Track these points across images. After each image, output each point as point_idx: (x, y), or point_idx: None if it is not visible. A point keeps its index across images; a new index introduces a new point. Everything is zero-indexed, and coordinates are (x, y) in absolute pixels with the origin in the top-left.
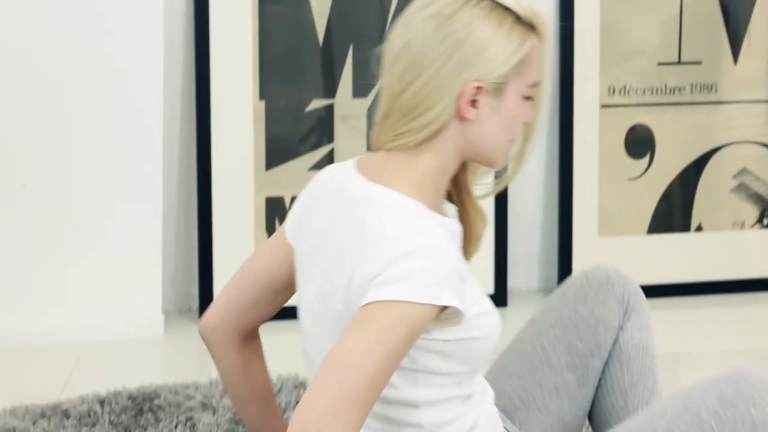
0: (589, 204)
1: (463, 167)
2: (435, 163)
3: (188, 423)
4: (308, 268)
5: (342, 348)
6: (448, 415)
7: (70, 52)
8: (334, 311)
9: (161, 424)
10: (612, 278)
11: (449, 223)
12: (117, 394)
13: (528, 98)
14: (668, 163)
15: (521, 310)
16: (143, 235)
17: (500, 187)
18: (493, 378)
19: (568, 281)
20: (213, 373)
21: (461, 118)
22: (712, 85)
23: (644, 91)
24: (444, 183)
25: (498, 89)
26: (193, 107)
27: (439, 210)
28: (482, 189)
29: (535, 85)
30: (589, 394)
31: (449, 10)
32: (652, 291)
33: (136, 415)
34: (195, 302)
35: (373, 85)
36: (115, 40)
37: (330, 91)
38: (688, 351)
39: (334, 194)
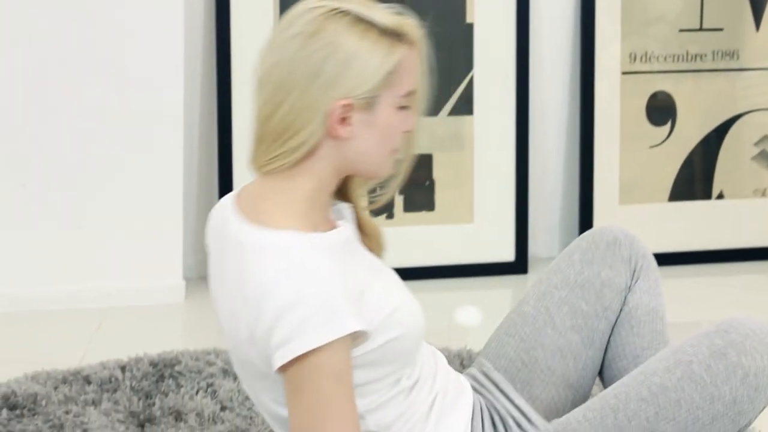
0: (610, 171)
1: (348, 180)
2: (312, 184)
3: (209, 389)
4: (217, 313)
5: (295, 424)
6: (394, 412)
7: (84, 17)
8: (248, 357)
9: (182, 390)
10: (619, 240)
11: (336, 235)
12: (138, 360)
13: (404, 107)
14: (689, 131)
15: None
16: (164, 201)
17: (385, 199)
18: (495, 340)
19: (574, 243)
20: None
21: (334, 137)
22: (733, 52)
23: (666, 58)
24: (324, 199)
25: (369, 104)
26: (213, 73)
27: (324, 224)
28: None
29: (410, 94)
30: (595, 355)
31: (311, 28)
32: (673, 258)
33: (157, 381)
34: None
35: None
36: (134, 7)
37: None
38: (709, 319)
39: (218, 238)
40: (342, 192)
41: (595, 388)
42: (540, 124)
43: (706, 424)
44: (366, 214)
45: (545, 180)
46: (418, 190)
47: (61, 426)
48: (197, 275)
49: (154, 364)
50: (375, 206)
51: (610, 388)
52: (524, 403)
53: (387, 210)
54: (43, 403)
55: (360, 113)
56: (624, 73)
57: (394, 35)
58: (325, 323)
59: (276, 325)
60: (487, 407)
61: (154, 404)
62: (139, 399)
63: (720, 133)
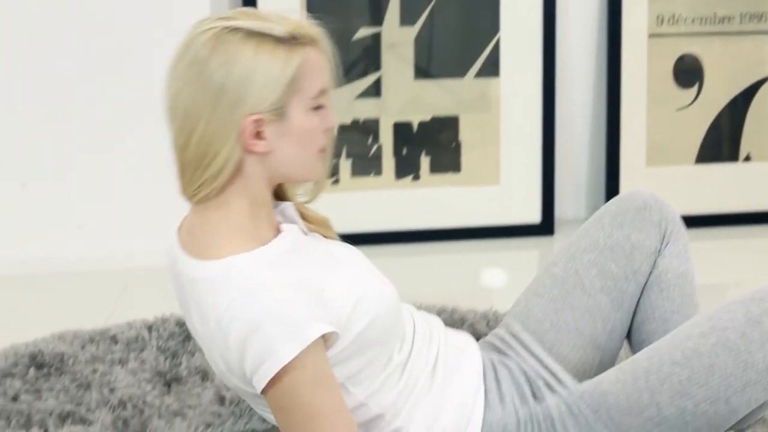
0: (637, 134)
1: (281, 187)
2: (247, 202)
3: None
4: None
5: None
6: (394, 391)
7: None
8: (234, 384)
9: None
10: (649, 204)
11: (280, 242)
12: (164, 320)
13: (319, 107)
14: (717, 93)
15: (568, 240)
16: None
17: (317, 193)
18: (524, 301)
19: (604, 208)
20: None
21: (253, 153)
22: (762, 15)
23: (693, 21)
24: (264, 211)
25: (278, 114)
26: None
27: (270, 232)
28: (303, 196)
29: (321, 93)
30: (624, 317)
31: (204, 53)
32: (700, 221)
33: (183, 341)
34: None
35: (420, 13)
36: None
37: (377, 19)
38: (735, 281)
39: (175, 279)
40: (279, 194)
41: (622, 352)
42: (567, 85)
43: (738, 390)
44: (308, 208)
45: (572, 142)
46: (445, 151)
47: (88, 385)
48: None
49: (180, 323)
50: (309, 201)
51: (642, 351)
52: (553, 364)
53: (413, 172)
54: (70, 362)
55: (272, 125)
56: (651, 35)
57: (291, 40)
58: (289, 338)
59: (244, 354)
60: (504, 365)
61: (180, 364)
62: (166, 358)
63: (747, 95)
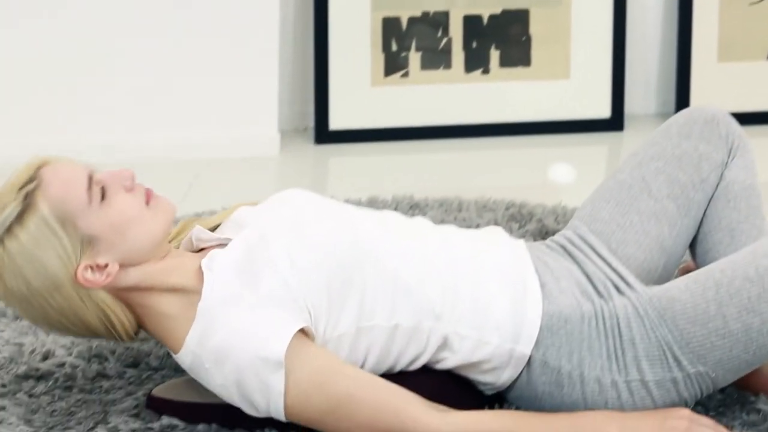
0: (709, 28)
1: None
2: (151, 296)
3: None
4: None
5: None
6: (413, 300)
7: None
8: None
9: None
10: (717, 118)
11: (208, 289)
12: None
13: (104, 198)
14: None
15: (637, 135)
16: (260, 53)
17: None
18: (590, 205)
19: (671, 119)
20: (327, 193)
21: (107, 285)
22: None
23: None
24: (174, 280)
25: (86, 249)
26: None
27: (197, 266)
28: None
29: (95, 190)
30: (690, 224)
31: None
32: None
33: None
34: (311, 121)
35: None
36: None
37: None
38: None
39: None
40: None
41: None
42: None
43: None
44: (194, 223)
45: (643, 36)
46: (515, 45)
47: None
48: (292, 128)
49: None
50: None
51: (716, 263)
52: (621, 266)
53: (483, 65)
54: None
55: (89, 258)
56: None
57: (26, 202)
58: (266, 366)
59: (244, 403)
60: (561, 264)
61: None
62: None
63: None
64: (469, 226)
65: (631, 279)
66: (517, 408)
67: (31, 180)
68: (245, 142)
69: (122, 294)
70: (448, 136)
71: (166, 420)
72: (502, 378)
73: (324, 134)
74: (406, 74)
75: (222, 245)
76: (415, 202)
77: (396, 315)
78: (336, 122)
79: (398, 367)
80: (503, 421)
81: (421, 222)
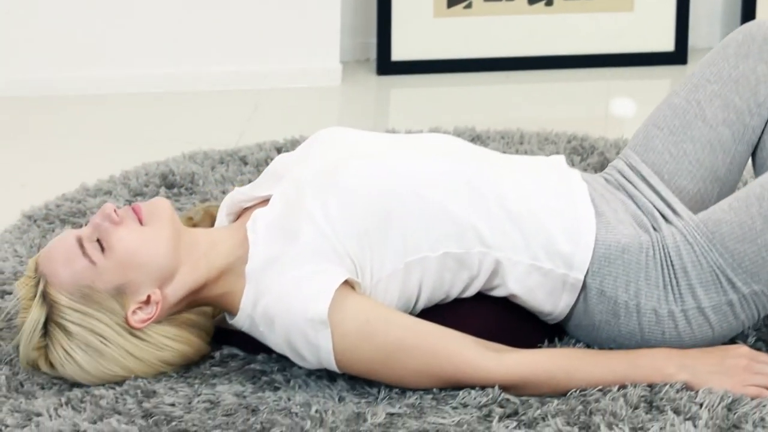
0: None
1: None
2: (201, 292)
3: None
4: None
5: (416, 376)
6: (490, 264)
7: None
8: None
9: None
10: None
11: (253, 254)
12: (294, 142)
13: (104, 249)
14: None
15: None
16: None
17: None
18: (643, 133)
19: (730, 36)
20: (388, 124)
21: (161, 310)
22: None
23: None
24: (210, 269)
25: (122, 300)
26: None
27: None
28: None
29: (88, 242)
30: (745, 150)
31: (37, 340)
32: None
33: None
34: (372, 53)
35: None
36: None
37: None
38: None
39: None
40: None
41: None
42: None
43: None
44: (200, 210)
45: None
46: None
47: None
48: (353, 59)
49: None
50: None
51: (756, 180)
52: (670, 195)
53: None
54: (200, 182)
55: (131, 303)
56: None
57: (39, 294)
58: (311, 327)
59: (298, 359)
60: (615, 195)
61: None
62: None
63: None
64: None
65: (679, 207)
66: (576, 341)
67: (37, 282)
68: (307, 74)
69: (182, 305)
70: (509, 68)
71: (226, 350)
72: (559, 306)
73: (386, 65)
74: (469, 5)
75: (264, 202)
76: (476, 134)
77: (442, 244)
78: (398, 53)
79: (453, 295)
80: (560, 362)
81: (466, 146)
